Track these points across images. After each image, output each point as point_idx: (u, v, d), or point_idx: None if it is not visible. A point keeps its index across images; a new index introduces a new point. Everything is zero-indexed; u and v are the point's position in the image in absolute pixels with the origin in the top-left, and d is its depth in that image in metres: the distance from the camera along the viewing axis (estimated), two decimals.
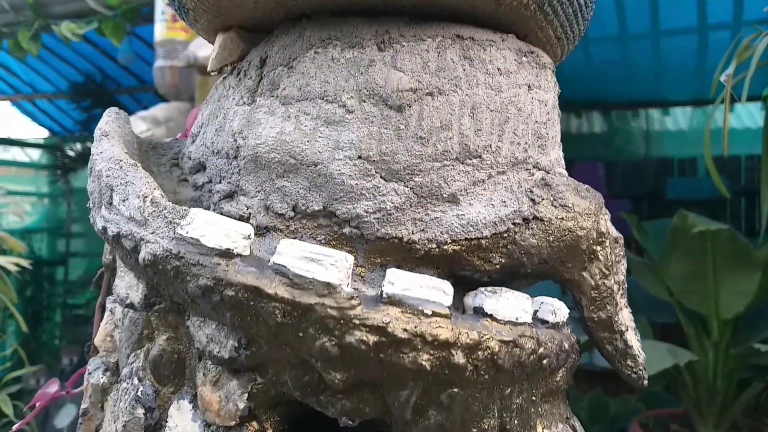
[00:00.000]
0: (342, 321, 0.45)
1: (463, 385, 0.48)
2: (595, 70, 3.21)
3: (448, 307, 0.48)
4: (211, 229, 0.48)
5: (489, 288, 0.52)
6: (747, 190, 3.91)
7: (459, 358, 0.47)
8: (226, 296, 0.47)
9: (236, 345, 0.50)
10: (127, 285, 0.57)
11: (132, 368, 0.59)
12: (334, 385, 0.48)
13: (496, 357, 0.48)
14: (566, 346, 0.55)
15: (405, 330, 0.46)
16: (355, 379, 0.48)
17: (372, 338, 0.45)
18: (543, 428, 0.57)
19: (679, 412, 2.49)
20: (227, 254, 0.48)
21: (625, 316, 0.60)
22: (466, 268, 0.55)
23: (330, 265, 0.46)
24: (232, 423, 0.52)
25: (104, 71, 4.32)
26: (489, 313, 0.50)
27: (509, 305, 0.50)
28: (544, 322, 0.55)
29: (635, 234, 2.52)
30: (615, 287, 0.60)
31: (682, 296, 2.31)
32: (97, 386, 0.66)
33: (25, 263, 2.17)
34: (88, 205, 0.60)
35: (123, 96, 4.41)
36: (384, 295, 0.47)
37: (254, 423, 0.54)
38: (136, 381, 0.58)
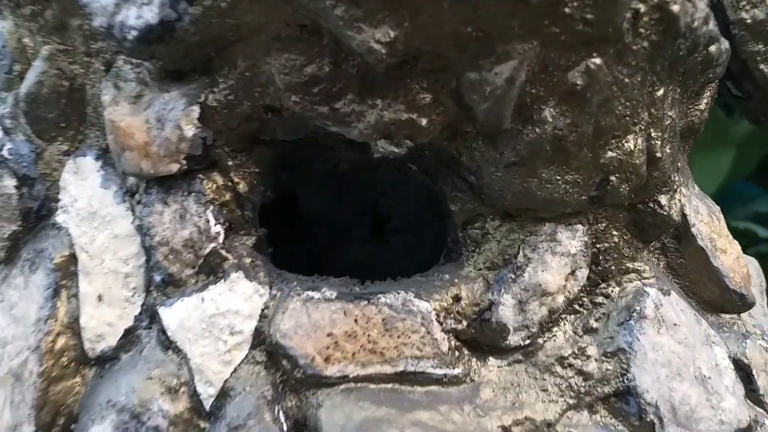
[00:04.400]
0: None
1: (611, 52, 0.26)
2: None
3: None
4: None
5: None
6: None
7: None
8: None
9: None
10: None
11: None
12: (374, 57, 0.24)
13: (668, 3, 0.26)
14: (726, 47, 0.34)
15: None
16: (410, 43, 0.25)
17: None
18: (681, 186, 0.36)
19: None
20: None
21: None
22: None
23: None
24: (174, 167, 0.29)
25: None
26: None
27: None
28: None
29: None
30: None
31: None
32: None
33: None
34: None
35: None
36: None
37: (215, 174, 0.30)
38: None
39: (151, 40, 0.26)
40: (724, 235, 0.37)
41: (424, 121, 0.27)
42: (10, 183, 0.33)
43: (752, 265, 0.43)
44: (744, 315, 0.39)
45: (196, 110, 0.28)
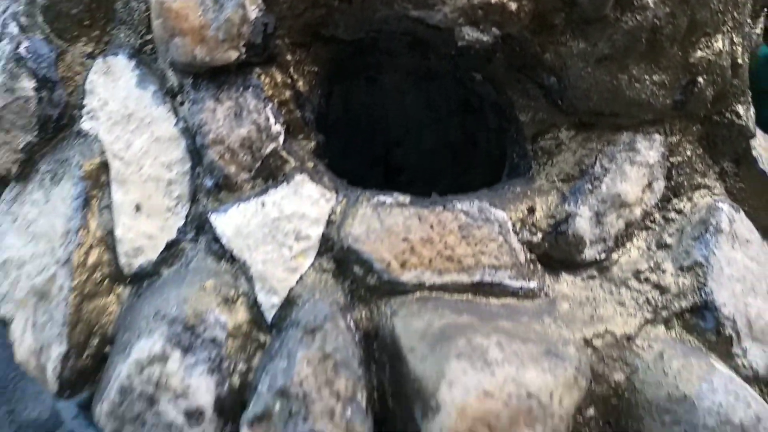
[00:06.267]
0: None
1: None
2: None
3: None
4: None
5: None
6: None
7: None
8: None
9: None
10: None
11: (6, 14, 0.31)
12: None
13: None
14: None
15: None
16: None
17: None
18: None
19: None
20: None
21: None
22: None
23: None
24: (233, 55, 0.26)
25: None
26: None
27: None
28: None
29: None
30: None
31: None
32: None
33: None
34: None
35: None
36: None
37: (273, 69, 0.27)
38: (14, 29, 0.30)
39: None
40: None
41: (513, 6, 0.25)
42: (28, 85, 0.29)
43: None
44: None
45: None
